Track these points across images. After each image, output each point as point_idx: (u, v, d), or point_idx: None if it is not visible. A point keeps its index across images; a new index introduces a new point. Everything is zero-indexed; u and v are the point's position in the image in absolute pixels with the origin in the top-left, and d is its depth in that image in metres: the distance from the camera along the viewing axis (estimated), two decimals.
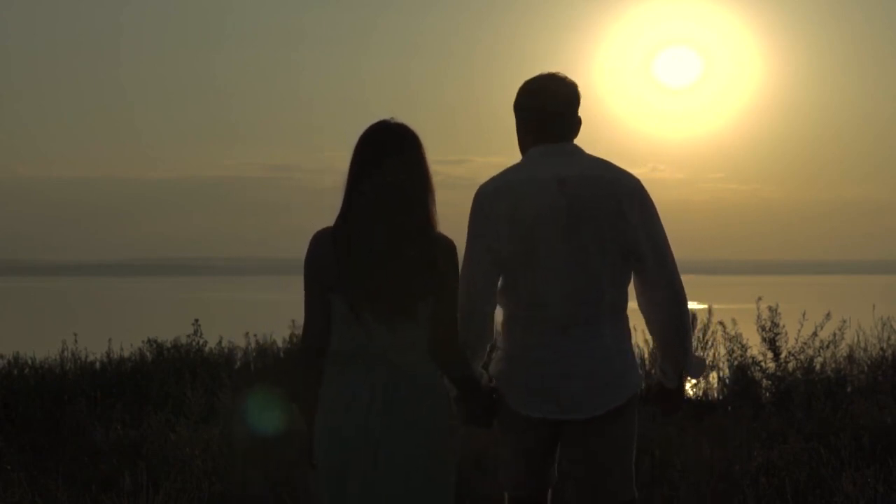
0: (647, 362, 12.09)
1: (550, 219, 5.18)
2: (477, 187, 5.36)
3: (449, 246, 4.81)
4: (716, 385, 12.48)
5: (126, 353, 13.39)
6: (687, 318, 5.30)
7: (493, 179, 5.29)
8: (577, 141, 5.36)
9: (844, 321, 12.15)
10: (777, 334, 12.00)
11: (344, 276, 4.71)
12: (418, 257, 4.73)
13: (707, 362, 4.68)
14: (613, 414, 5.17)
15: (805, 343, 11.96)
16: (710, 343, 12.80)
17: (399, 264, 4.71)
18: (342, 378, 4.75)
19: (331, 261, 4.73)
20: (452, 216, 5.37)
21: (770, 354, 12.00)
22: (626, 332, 5.28)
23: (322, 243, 4.76)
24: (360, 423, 4.70)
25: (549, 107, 5.28)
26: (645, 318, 5.33)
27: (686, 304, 5.30)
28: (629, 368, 5.23)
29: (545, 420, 5.19)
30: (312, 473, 4.82)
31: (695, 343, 12.56)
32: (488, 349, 5.29)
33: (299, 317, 4.90)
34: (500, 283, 5.27)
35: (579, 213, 5.18)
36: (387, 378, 4.73)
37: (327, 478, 4.75)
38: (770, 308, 12.10)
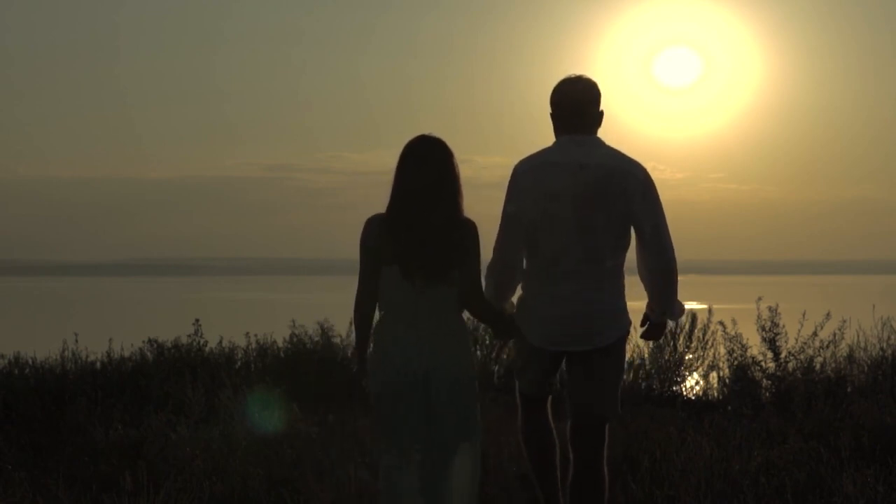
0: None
1: (568, 195, 6.50)
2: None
3: (472, 227, 6.26)
4: (716, 385, 12.47)
5: (126, 353, 13.34)
6: (674, 278, 6.62)
7: (528, 159, 6.63)
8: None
9: (844, 321, 12.12)
10: (777, 334, 11.99)
11: (398, 252, 6.20)
12: (449, 236, 6.19)
13: (685, 307, 6.94)
14: (603, 350, 6.59)
15: (805, 343, 11.94)
16: (710, 343, 12.80)
17: (436, 242, 6.18)
18: (395, 325, 6.28)
19: (383, 240, 6.22)
20: None
21: (770, 354, 11.99)
22: (621, 290, 6.67)
23: (375, 225, 6.25)
24: (411, 357, 6.23)
25: (572, 105, 6.63)
26: (641, 276, 6.66)
27: (675, 269, 6.60)
28: (620, 317, 6.65)
29: (552, 350, 6.62)
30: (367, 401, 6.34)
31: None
32: (515, 289, 6.69)
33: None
34: (525, 242, 6.57)
35: (591, 193, 6.51)
36: (427, 325, 6.25)
37: (383, 400, 6.27)
38: (770, 308, 12.08)
